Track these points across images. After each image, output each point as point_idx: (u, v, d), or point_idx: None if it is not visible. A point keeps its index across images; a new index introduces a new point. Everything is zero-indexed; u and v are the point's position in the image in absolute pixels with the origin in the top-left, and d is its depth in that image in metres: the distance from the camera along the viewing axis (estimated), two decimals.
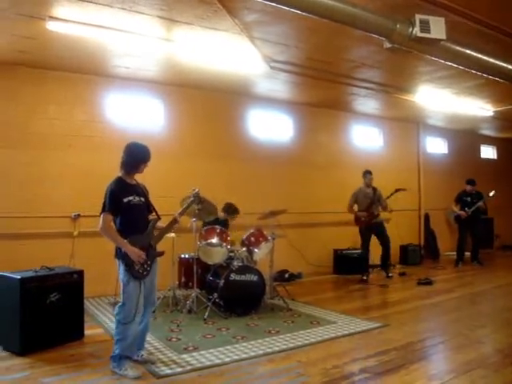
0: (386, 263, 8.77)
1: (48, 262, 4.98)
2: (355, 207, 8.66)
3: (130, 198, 4.03)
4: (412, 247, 10.69)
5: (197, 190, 4.67)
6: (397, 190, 8.50)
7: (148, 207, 4.27)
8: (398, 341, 4.86)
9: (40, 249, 6.42)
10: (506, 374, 3.95)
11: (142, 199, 4.16)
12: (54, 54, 6.17)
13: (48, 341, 4.55)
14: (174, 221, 4.36)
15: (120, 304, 4.00)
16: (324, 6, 4.03)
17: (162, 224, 4.33)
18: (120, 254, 3.96)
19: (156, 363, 4.18)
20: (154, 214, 4.33)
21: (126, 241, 3.92)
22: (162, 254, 4.29)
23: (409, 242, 10.76)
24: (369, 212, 8.44)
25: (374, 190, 8.57)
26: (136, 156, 4.12)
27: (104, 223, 3.93)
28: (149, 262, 4.07)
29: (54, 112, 6.86)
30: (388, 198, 8.53)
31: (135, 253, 3.91)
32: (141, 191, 4.20)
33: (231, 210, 7.00)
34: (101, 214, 3.97)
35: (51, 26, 5.06)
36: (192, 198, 4.62)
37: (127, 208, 4.00)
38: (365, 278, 8.48)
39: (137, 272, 3.96)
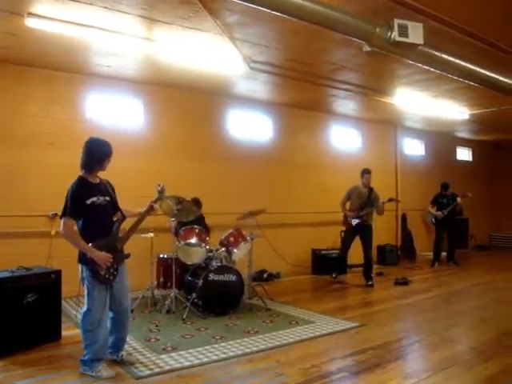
0: (368, 271, 8.19)
1: (25, 262, 4.93)
2: (347, 205, 8.40)
3: (94, 198, 3.87)
4: (389, 247, 10.82)
5: (162, 185, 4.45)
6: (389, 200, 8.28)
7: (113, 206, 4.11)
8: (375, 340, 4.93)
9: (17, 248, 6.34)
10: (480, 371, 4.04)
11: (107, 198, 4.01)
12: (35, 50, 6.09)
13: (24, 342, 4.49)
14: (140, 220, 4.20)
15: (85, 310, 3.90)
16: (304, 9, 4.07)
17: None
18: (83, 259, 3.83)
19: (135, 364, 4.15)
20: (119, 213, 4.18)
21: (90, 245, 3.78)
22: (127, 256, 4.13)
23: (386, 243, 10.89)
24: (357, 214, 8.12)
25: (371, 190, 8.25)
26: (97, 153, 3.94)
27: (65, 228, 3.78)
28: (115, 266, 3.94)
29: (35, 109, 6.78)
30: (379, 206, 8.15)
31: (101, 257, 3.78)
32: (105, 189, 4.05)
33: (198, 203, 6.95)
34: (61, 217, 3.82)
35: (31, 22, 5.00)
36: (157, 195, 4.46)
37: (91, 210, 3.84)
38: (334, 275, 8.48)
39: (103, 277, 3.84)
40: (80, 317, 3.98)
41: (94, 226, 3.88)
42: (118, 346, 4.19)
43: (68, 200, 3.81)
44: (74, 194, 3.81)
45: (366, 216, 8.17)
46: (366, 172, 8.25)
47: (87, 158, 3.94)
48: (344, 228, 8.67)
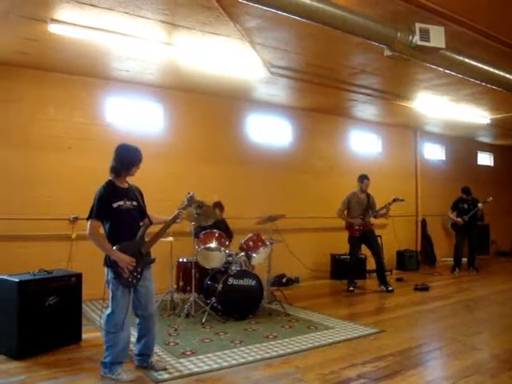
0: (383, 277, 8.15)
1: (46, 265, 4.98)
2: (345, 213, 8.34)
3: (120, 202, 3.91)
4: (409, 253, 10.72)
5: (192, 193, 4.50)
6: (394, 200, 8.13)
7: (141, 211, 4.14)
8: (395, 346, 4.88)
9: (38, 251, 6.42)
10: (503, 380, 3.98)
11: (134, 203, 4.04)
12: (56, 56, 6.19)
13: (45, 344, 4.54)
14: (167, 226, 4.22)
15: (108, 312, 3.93)
16: (324, 13, 4.05)
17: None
18: (109, 262, 3.87)
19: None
20: (146, 219, 4.19)
21: (114, 248, 3.82)
22: (153, 261, 4.15)
23: (406, 248, 10.80)
24: (363, 220, 8.10)
25: (368, 196, 8.26)
26: (126, 159, 3.99)
27: (91, 230, 3.82)
28: (139, 270, 3.96)
29: (54, 114, 6.87)
30: (386, 207, 8.15)
31: (124, 260, 3.81)
32: (133, 195, 4.07)
33: (214, 205, 7.02)
34: (88, 219, 3.86)
35: (53, 28, 5.08)
36: (186, 203, 4.48)
37: (117, 213, 3.88)
38: (351, 289, 8.13)
39: (126, 280, 3.86)
40: (103, 319, 4.00)
41: (120, 229, 3.91)
42: (146, 352, 4.16)
43: (95, 202, 3.86)
44: (102, 196, 3.87)
45: (369, 220, 8.19)
46: (365, 178, 8.22)
47: (116, 163, 3.98)
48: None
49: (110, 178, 4.01)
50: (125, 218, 3.94)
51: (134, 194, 4.12)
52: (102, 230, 3.93)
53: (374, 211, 8.20)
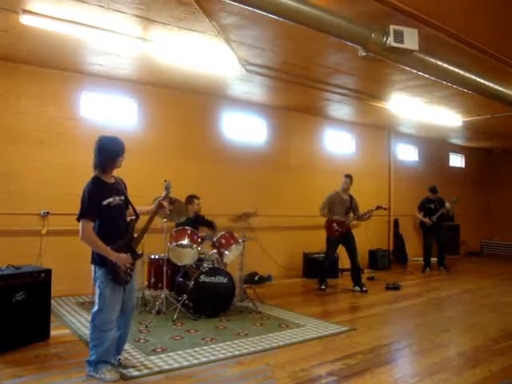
0: (358, 278, 8.13)
1: (15, 261, 4.89)
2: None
3: (110, 199, 3.77)
4: (381, 252, 10.85)
5: (168, 181, 4.38)
6: (378, 208, 8.17)
7: (126, 204, 4.03)
8: (365, 344, 4.93)
9: (7, 247, 6.29)
10: (467, 377, 4.06)
11: (122, 198, 3.93)
12: (27, 48, 6.07)
13: (12, 341, 4.44)
14: (151, 219, 4.13)
15: (96, 309, 3.81)
16: (300, 12, 4.06)
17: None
18: (98, 260, 3.75)
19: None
20: (131, 210, 4.08)
21: (109, 248, 3.70)
22: (141, 255, 4.09)
23: (378, 247, 10.93)
24: (344, 222, 8.08)
25: (351, 198, 8.27)
26: (111, 151, 3.81)
27: (84, 232, 3.65)
28: (132, 267, 3.89)
29: (25, 107, 6.74)
30: (368, 213, 8.11)
31: (122, 259, 3.72)
32: (120, 189, 3.96)
33: (190, 197, 6.98)
34: (79, 220, 3.69)
35: (25, 19, 4.99)
36: (165, 192, 4.35)
37: (106, 211, 3.74)
38: (323, 287, 8.15)
39: (122, 279, 3.78)
40: (91, 316, 3.89)
41: (110, 226, 3.80)
42: (117, 347, 4.05)
43: (85, 201, 3.69)
44: (91, 195, 3.70)
45: (351, 223, 8.22)
46: (348, 177, 8.23)
47: (99, 157, 3.79)
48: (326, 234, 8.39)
49: (95, 174, 3.83)
50: (114, 214, 3.82)
51: (121, 187, 4.02)
52: None
53: (357, 214, 8.17)
